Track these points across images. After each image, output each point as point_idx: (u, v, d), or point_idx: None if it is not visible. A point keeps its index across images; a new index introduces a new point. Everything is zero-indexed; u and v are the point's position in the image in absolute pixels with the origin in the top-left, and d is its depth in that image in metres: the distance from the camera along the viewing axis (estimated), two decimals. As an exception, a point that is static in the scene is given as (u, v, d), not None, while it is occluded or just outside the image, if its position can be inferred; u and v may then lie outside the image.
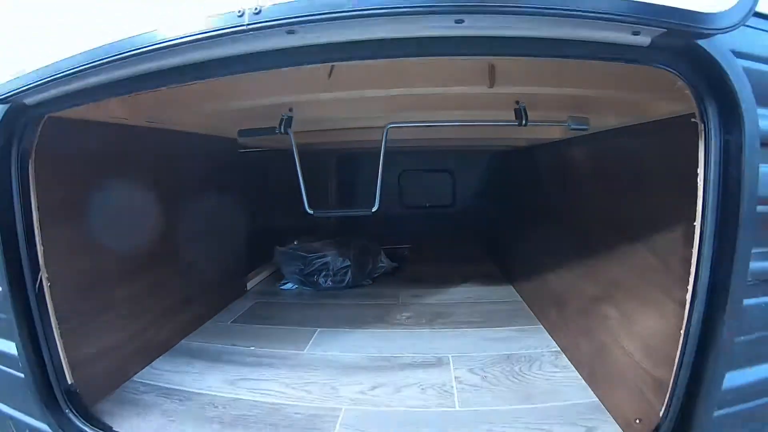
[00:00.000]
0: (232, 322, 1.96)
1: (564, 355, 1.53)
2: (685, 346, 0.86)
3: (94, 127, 1.30)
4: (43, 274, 1.14)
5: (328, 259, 2.26)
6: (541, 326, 1.79)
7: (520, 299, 2.13)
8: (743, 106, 0.70)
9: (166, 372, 1.51)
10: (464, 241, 3.09)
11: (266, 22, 0.58)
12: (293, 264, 2.30)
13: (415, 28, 0.66)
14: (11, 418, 1.27)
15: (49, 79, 0.73)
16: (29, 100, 0.91)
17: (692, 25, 0.57)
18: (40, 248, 1.13)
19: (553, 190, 2.14)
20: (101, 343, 1.33)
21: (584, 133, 1.54)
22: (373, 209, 1.57)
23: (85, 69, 0.67)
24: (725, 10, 0.56)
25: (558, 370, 1.43)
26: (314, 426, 1.17)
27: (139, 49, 0.61)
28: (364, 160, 3.15)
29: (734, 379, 0.88)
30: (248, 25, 0.59)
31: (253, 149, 2.38)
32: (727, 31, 0.58)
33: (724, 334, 0.80)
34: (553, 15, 0.59)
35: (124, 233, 1.46)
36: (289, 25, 0.59)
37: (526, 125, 1.43)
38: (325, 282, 2.26)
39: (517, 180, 2.71)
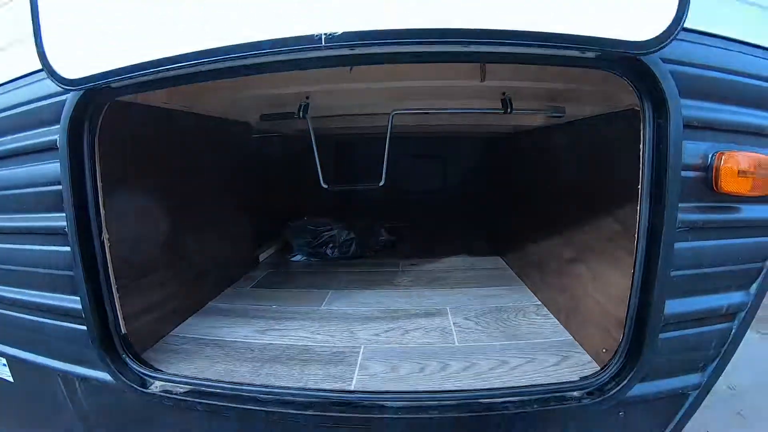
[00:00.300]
0: (251, 287, 2.17)
1: (545, 307, 1.79)
2: (633, 281, 1.11)
3: (140, 109, 1.46)
4: (105, 235, 1.30)
5: (335, 232, 2.50)
6: (525, 286, 2.06)
7: (506, 266, 2.40)
8: (669, 99, 0.95)
9: (199, 327, 1.68)
10: (455, 219, 3.33)
11: (337, 42, 0.81)
12: (303, 236, 2.54)
13: (434, 47, 0.89)
14: (61, 371, 1.39)
15: (157, 69, 0.93)
16: (116, 84, 1.10)
17: (619, 50, 0.84)
18: (102, 212, 1.28)
19: (534, 171, 2.33)
20: (143, 301, 1.48)
21: (561, 120, 1.79)
22: (380, 183, 1.79)
23: (192, 64, 0.88)
24: (650, 38, 0.81)
25: (539, 318, 1.70)
26: (341, 360, 1.40)
27: (242, 51, 0.83)
28: (365, 147, 3.32)
29: (673, 306, 1.11)
30: (324, 44, 0.81)
31: (264, 134, 2.55)
32: (652, 53, 0.83)
33: (660, 269, 1.05)
34: (527, 44, 0.85)
35: (160, 205, 1.62)
36: (351, 46, 0.82)
37: (511, 113, 1.66)
38: (333, 252, 2.50)
39: (504, 163, 2.90)
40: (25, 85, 1.29)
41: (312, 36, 0.81)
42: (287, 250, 2.73)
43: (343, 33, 0.80)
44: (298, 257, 2.61)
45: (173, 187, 1.72)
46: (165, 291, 1.65)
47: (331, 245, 2.51)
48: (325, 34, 0.80)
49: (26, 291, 1.38)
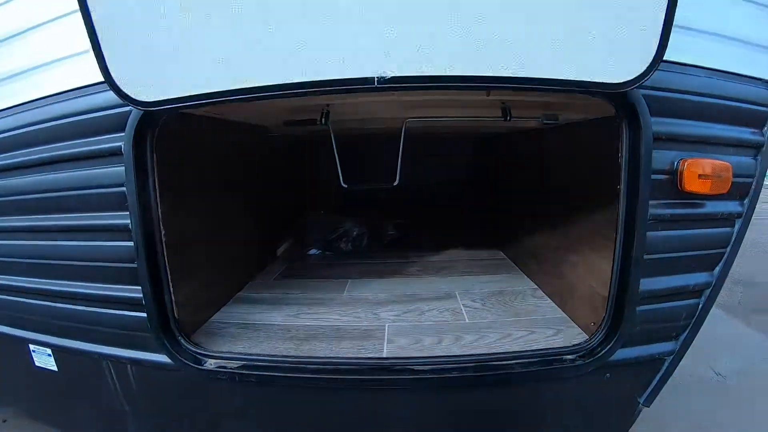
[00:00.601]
0: (274, 279, 2.35)
1: (541, 291, 2.03)
2: (614, 264, 1.35)
3: (184, 117, 1.55)
4: (162, 231, 1.42)
5: (348, 226, 2.72)
6: (524, 274, 2.29)
7: (506, 257, 2.63)
8: (641, 117, 1.19)
9: (236, 314, 1.85)
10: (456, 214, 3.50)
11: (389, 82, 1.03)
12: (319, 231, 2.75)
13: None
14: (112, 357, 1.51)
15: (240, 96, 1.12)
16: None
17: (607, 90, 1.07)
18: (160, 211, 1.41)
19: (530, 169, 2.49)
20: (187, 290, 1.59)
21: (555, 125, 2.01)
22: (395, 183, 1.99)
23: (260, 96, 1.09)
24: (633, 77, 1.03)
25: (537, 300, 1.94)
26: (370, 335, 1.62)
27: (311, 87, 1.06)
28: (368, 147, 3.47)
29: (648, 284, 1.35)
30: (377, 83, 1.04)
31: (279, 136, 2.72)
32: (632, 88, 1.06)
33: (635, 254, 1.30)
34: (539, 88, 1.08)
35: (198, 204, 1.77)
36: (400, 84, 1.04)
37: (510, 120, 1.88)
38: (346, 246, 2.72)
39: (502, 162, 3.02)
40: (90, 94, 1.39)
41: (367, 78, 1.04)
42: (301, 244, 2.92)
43: (392, 77, 1.04)
44: (313, 251, 2.81)
45: (209, 186, 1.88)
46: (203, 281, 1.80)
47: (345, 239, 2.72)
48: (377, 77, 1.04)
49: (84, 284, 1.49)
